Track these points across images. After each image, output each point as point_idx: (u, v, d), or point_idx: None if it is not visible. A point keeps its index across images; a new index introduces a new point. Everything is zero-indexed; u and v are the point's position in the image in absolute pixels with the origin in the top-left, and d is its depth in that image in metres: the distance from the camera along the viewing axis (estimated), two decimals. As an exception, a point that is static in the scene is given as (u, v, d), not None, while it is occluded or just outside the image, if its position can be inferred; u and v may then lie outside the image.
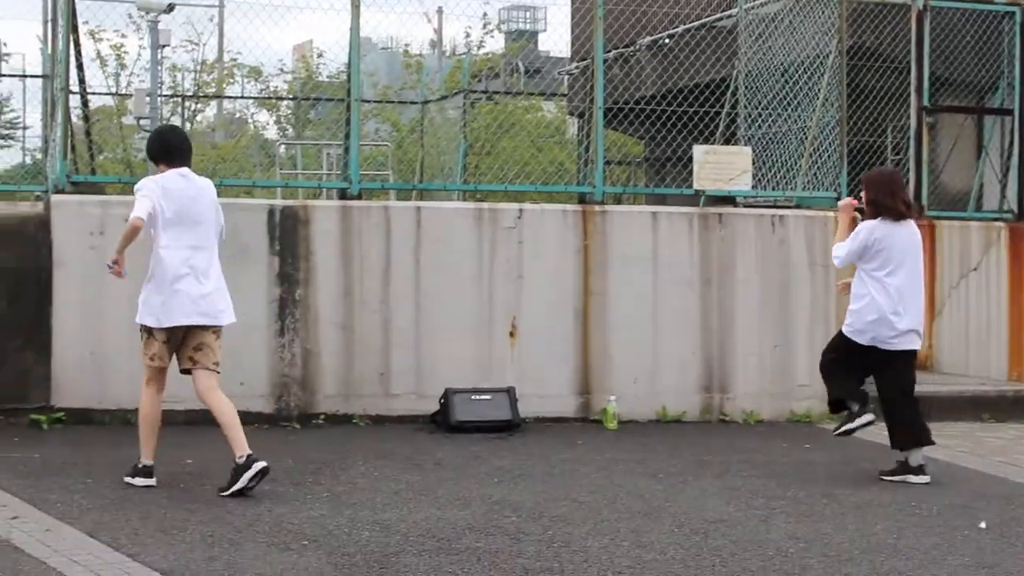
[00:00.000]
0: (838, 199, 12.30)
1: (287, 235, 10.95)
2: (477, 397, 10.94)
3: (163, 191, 8.30)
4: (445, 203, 12.66)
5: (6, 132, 32.68)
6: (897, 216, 9.26)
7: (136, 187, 8.45)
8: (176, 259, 8.27)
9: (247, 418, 10.51)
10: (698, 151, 12.28)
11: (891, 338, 9.18)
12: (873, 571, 6.72)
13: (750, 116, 13.32)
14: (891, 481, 9.16)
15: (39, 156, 25.08)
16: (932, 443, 9.36)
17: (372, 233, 11.12)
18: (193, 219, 8.36)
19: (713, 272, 11.74)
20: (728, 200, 12.08)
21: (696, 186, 12.18)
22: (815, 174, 12.62)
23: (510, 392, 11.04)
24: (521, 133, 22.60)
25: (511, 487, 8.55)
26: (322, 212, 11.15)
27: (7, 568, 6.28)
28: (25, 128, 28.34)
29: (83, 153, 13.41)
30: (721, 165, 12.16)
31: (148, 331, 8.35)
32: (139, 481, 8.33)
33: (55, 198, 10.67)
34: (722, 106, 14.41)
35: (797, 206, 12.36)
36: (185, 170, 8.47)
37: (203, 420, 10.48)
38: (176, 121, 28.67)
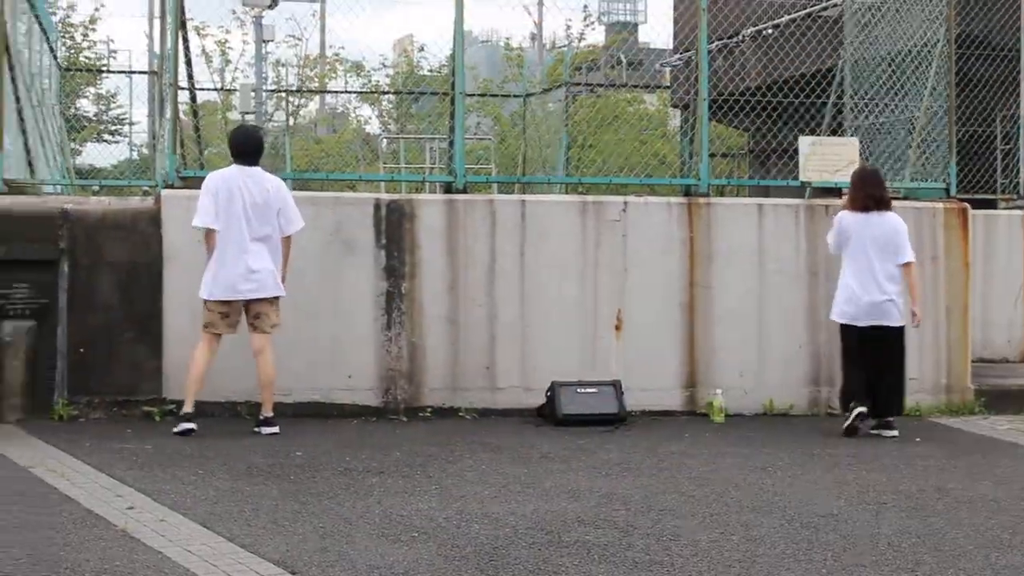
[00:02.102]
0: (947, 190, 12.18)
1: (393, 229, 11.01)
2: (583, 390, 10.92)
3: (217, 188, 9.89)
4: (549, 196, 12.67)
5: (113, 128, 33.19)
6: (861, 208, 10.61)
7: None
8: (230, 242, 9.80)
9: (355, 411, 10.72)
10: (804, 142, 12.16)
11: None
12: (988, 566, 6.62)
13: (856, 106, 13.20)
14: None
15: (145, 151, 25.47)
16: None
17: (477, 227, 11.15)
18: (249, 210, 9.85)
19: (820, 264, 11.62)
20: (834, 192, 11.94)
21: (802, 178, 12.08)
22: (923, 164, 12.46)
23: (616, 385, 11.01)
24: (623, 126, 22.50)
25: (619, 480, 8.53)
26: (428, 206, 11.20)
27: (124, 558, 6.38)
28: (132, 124, 28.78)
29: (191, 148, 13.58)
30: (827, 156, 12.04)
31: (204, 302, 9.91)
32: (182, 426, 9.73)
33: (165, 193, 10.81)
34: (828, 96, 14.28)
35: (905, 197, 12.20)
36: (247, 168, 10.01)
37: (312, 412, 10.65)
38: (280, 116, 28.94)
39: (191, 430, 9.68)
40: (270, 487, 8.07)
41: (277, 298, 10.03)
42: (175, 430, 9.71)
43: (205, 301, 9.90)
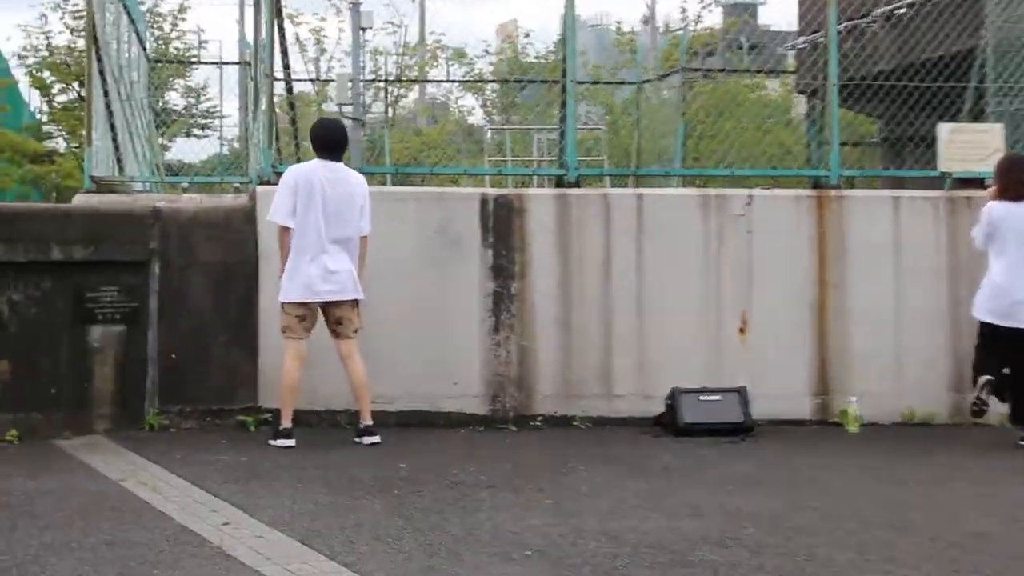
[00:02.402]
0: (1103, 179, 11.89)
1: (501, 225, 10.97)
2: (706, 398, 10.82)
3: (296, 183, 9.85)
4: (668, 189, 12.55)
5: (204, 122, 33.57)
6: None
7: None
8: (309, 241, 9.77)
9: (461, 419, 10.69)
10: (943, 130, 11.96)
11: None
12: None
13: (1000, 90, 12.94)
14: None
15: (237, 146, 25.68)
16: None
17: (591, 222, 11.08)
18: (330, 208, 9.81)
19: (962, 260, 11.39)
20: (977, 182, 11.71)
21: (941, 168, 11.87)
22: (1075, 153, 12.17)
23: (741, 392, 10.89)
24: (744, 114, 22.29)
25: (747, 495, 8.40)
26: (538, 201, 11.15)
27: (220, 576, 6.39)
28: (222, 117, 29.07)
29: (286, 142, 13.65)
30: (969, 144, 11.83)
31: (281, 305, 9.90)
32: (280, 442, 9.70)
33: (260, 189, 10.86)
34: (968, 80, 14.01)
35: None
36: (329, 163, 9.99)
37: (416, 421, 10.65)
38: (379, 107, 29.08)
39: (290, 447, 9.68)
40: (373, 501, 8.05)
41: (357, 301, 9.99)
42: (273, 442, 9.74)
43: (282, 304, 9.90)
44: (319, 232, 9.77)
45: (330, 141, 10.10)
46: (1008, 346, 10.32)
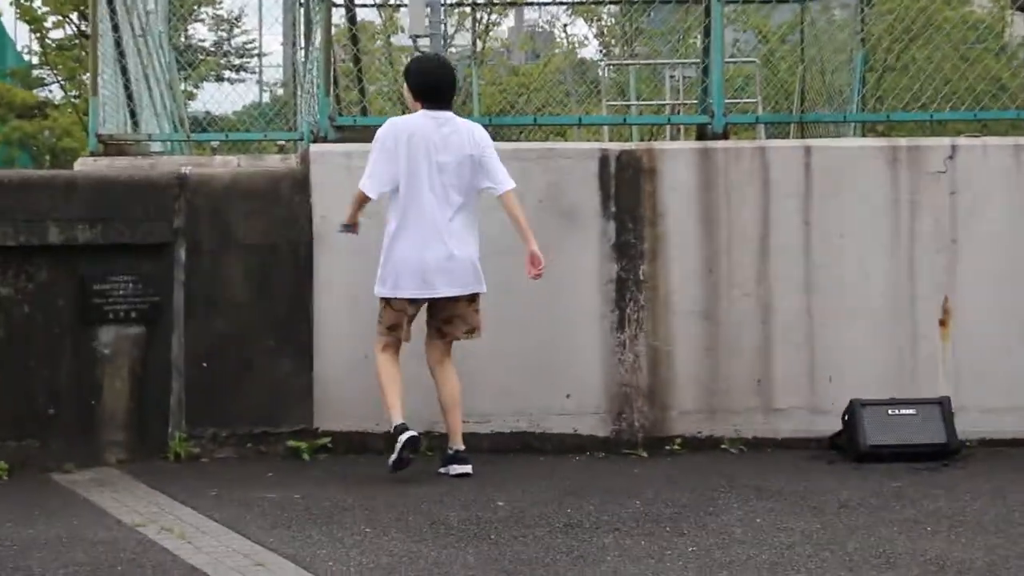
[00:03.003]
0: None
1: (626, 191, 10.97)
2: (896, 412, 10.76)
3: (397, 138, 9.86)
4: (844, 140, 12.49)
5: (238, 62, 33.86)
6: None
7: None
8: (418, 217, 9.86)
9: (576, 443, 10.74)
10: None
11: None
12: None
13: None
14: None
15: (281, 92, 25.84)
16: None
17: (743, 186, 11.07)
18: (444, 172, 9.89)
19: None
20: None
21: None
22: None
23: (943, 404, 10.82)
24: (941, 38, 22.09)
25: (952, 540, 8.35)
26: (674, 158, 11.15)
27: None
28: (262, 55, 29.26)
29: (348, 87, 13.72)
30: None
31: (382, 300, 10.03)
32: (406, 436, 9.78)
33: (315, 148, 10.92)
34: None
35: None
36: (438, 112, 10.01)
37: (517, 446, 10.69)
38: (463, 39, 29.12)
39: (414, 439, 9.76)
40: (464, 550, 8.08)
41: (477, 295, 10.10)
42: (394, 459, 9.82)
43: (386, 300, 10.00)
44: (431, 204, 9.85)
45: (438, 83, 10.15)
46: None
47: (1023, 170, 11.21)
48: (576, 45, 33.98)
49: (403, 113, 10.74)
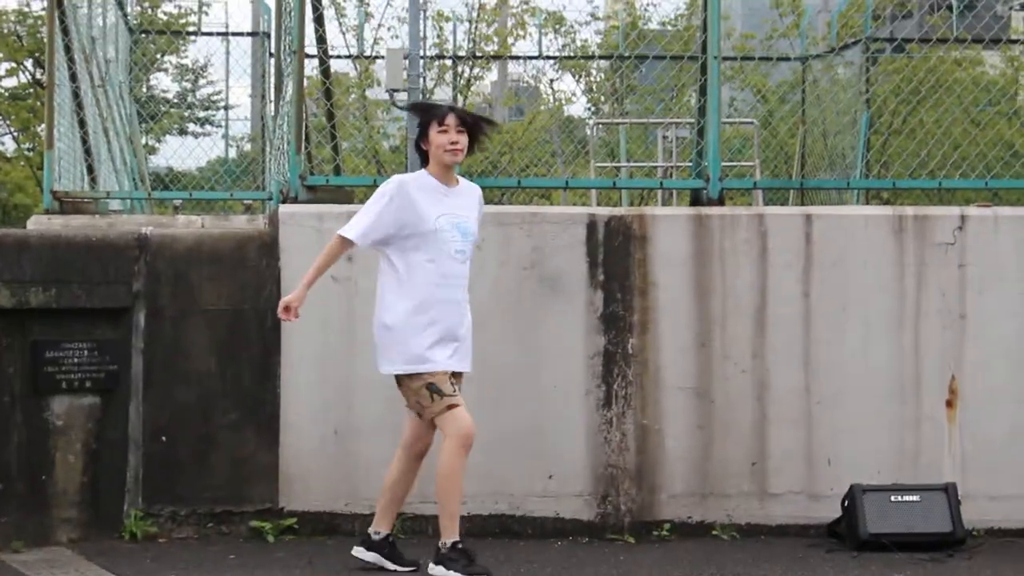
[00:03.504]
0: None
1: (615, 259, 11.02)
2: (899, 498, 10.79)
3: (404, 190, 9.44)
4: (847, 208, 12.56)
5: (203, 114, 33.88)
6: None
7: None
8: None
9: (558, 528, 10.74)
10: None
11: None
12: None
13: None
14: None
15: (249, 148, 25.88)
16: None
17: (739, 255, 11.11)
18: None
19: None
20: None
21: None
22: None
23: (949, 491, 10.86)
24: (952, 100, 22.23)
25: (957, 638, 8.39)
26: (667, 224, 11.19)
27: None
28: (228, 108, 29.32)
29: (321, 144, 13.77)
30: None
31: (418, 377, 9.41)
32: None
33: (284, 210, 10.96)
34: None
35: None
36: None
37: (495, 529, 10.68)
38: (444, 93, 29.18)
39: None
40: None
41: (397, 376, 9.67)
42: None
43: (426, 375, 9.37)
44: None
45: None
46: None
47: (1036, 242, 11.30)
48: (563, 102, 34.02)
49: (378, 173, 10.74)
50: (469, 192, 9.73)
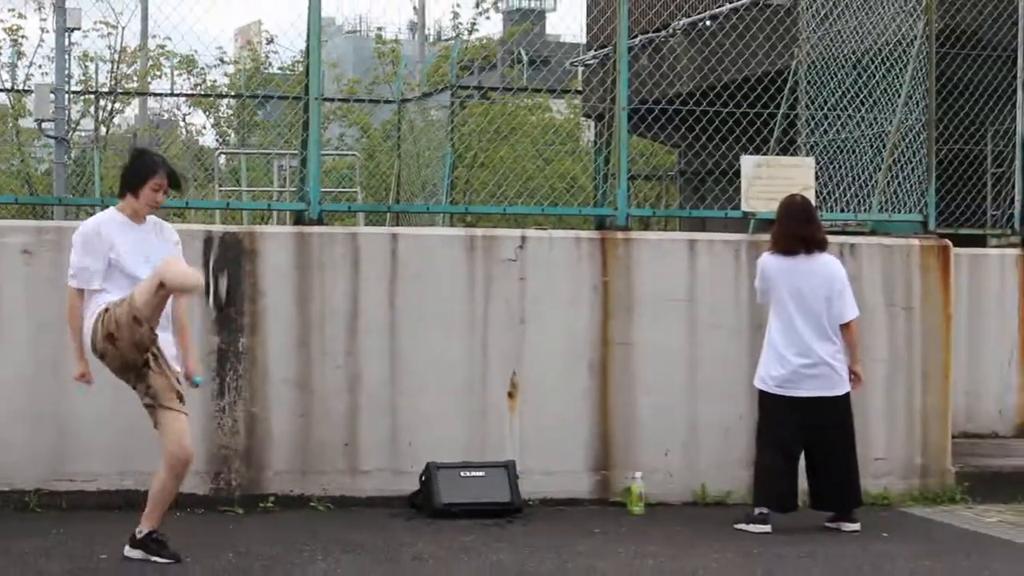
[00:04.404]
0: (924, 223, 12.40)
1: (229, 270, 11.00)
2: (468, 474, 10.99)
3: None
4: (428, 229, 12.75)
5: None
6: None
7: None
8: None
9: (178, 499, 10.60)
10: (747, 163, 12.33)
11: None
12: None
13: (813, 118, 13.42)
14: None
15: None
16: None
17: (336, 267, 11.19)
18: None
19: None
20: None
21: (744, 207, 12.25)
22: (895, 191, 12.67)
23: (509, 467, 11.09)
24: (523, 140, 22.67)
25: (510, 588, 8.58)
26: (273, 240, 11.22)
27: None
28: None
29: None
30: (776, 180, 12.19)
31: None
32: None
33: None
34: (777, 106, 14.49)
35: (872, 232, 12.43)
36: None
37: (120, 502, 10.59)
38: (88, 124, 28.75)
39: None
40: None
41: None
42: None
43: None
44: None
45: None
46: (807, 425, 10.68)
47: (582, 259, 11.56)
48: (195, 133, 33.80)
49: (27, 191, 10.57)
50: (156, 227, 9.26)
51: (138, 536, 8.98)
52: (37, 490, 10.49)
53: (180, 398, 8.83)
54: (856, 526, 10.68)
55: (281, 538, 9.92)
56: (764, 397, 10.80)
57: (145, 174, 9.04)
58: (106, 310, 8.63)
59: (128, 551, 8.99)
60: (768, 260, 10.82)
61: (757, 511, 10.60)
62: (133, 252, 8.90)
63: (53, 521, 10.01)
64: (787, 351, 10.62)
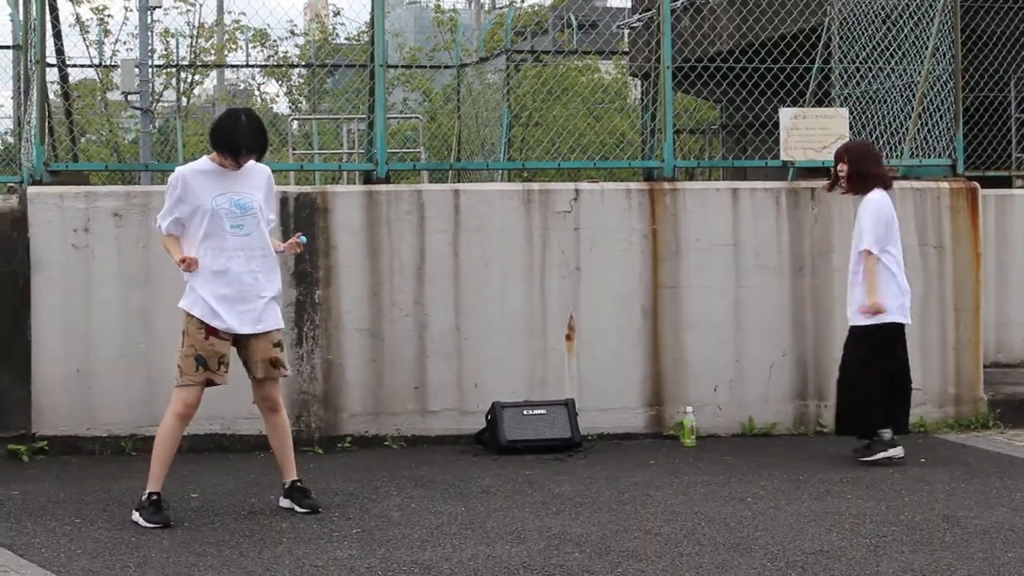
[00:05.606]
0: (953, 167, 12.28)
1: (304, 227, 10.93)
2: (530, 412, 10.97)
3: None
4: (487, 185, 12.70)
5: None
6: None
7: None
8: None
9: (261, 443, 10.66)
10: (785, 115, 12.23)
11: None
12: (1003, 608, 6.68)
13: (846, 72, 13.29)
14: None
15: (11, 140, 25.28)
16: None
17: (402, 222, 11.16)
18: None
19: (806, 258, 11.70)
20: (822, 172, 12.00)
21: (784, 157, 12.15)
22: (925, 138, 12.55)
23: (568, 405, 11.07)
24: (575, 99, 22.56)
25: (573, 517, 8.55)
26: (343, 199, 11.20)
27: (-15, 626, 6.36)
28: (-7, 108, 28.53)
29: (63, 137, 13.51)
30: (813, 131, 12.11)
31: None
32: None
33: (32, 190, 10.75)
34: (812, 61, 14.35)
35: (904, 176, 12.29)
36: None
37: (210, 446, 10.62)
38: (170, 96, 28.82)
39: None
40: (160, 536, 8.05)
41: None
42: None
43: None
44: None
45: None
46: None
47: (632, 209, 11.50)
48: (269, 102, 33.82)
49: (115, 158, 10.54)
50: (254, 172, 8.82)
51: (285, 487, 8.92)
52: (132, 435, 10.52)
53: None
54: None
55: (358, 476, 9.94)
56: (881, 330, 10.42)
57: (231, 150, 8.61)
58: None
59: (282, 501, 8.92)
60: (887, 198, 10.54)
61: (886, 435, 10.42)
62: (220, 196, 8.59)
63: (147, 464, 10.00)
64: (904, 282, 10.48)
